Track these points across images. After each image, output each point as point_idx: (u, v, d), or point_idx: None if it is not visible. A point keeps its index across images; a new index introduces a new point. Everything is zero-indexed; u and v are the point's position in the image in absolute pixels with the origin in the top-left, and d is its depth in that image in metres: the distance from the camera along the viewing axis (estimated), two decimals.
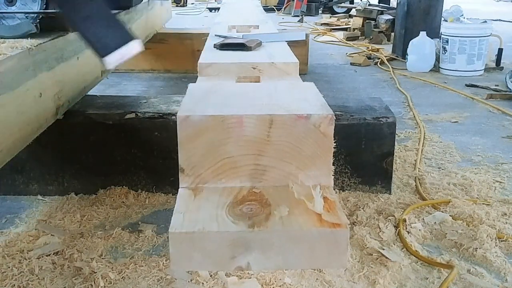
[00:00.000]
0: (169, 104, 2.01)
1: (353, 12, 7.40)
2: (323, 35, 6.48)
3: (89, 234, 1.67)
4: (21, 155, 1.51)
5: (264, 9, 4.50)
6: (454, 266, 1.47)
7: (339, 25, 7.18)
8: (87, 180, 1.95)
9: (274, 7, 9.56)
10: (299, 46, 3.58)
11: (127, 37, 0.75)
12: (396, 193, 1.98)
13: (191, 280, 1.41)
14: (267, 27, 2.45)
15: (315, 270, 1.45)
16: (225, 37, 1.99)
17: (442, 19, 4.83)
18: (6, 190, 1.96)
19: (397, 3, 5.14)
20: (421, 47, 4.33)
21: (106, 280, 1.42)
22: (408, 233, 1.68)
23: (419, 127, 2.78)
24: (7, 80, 1.31)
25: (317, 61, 4.72)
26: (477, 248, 1.57)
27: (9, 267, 1.47)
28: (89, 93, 2.08)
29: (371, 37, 5.91)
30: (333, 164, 0.96)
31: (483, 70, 4.25)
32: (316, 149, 0.93)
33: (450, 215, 1.77)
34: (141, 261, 1.52)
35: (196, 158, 0.93)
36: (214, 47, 1.75)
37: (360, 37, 6.12)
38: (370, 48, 5.38)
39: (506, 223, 1.73)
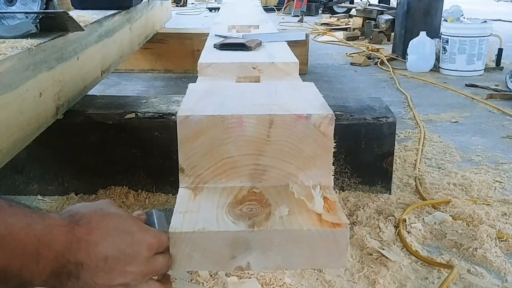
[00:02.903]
0: (169, 104, 2.00)
1: (353, 12, 7.40)
2: (323, 35, 6.48)
3: None
4: (21, 155, 1.50)
5: (264, 9, 4.50)
6: (454, 266, 1.47)
7: (339, 25, 7.18)
8: (87, 180, 1.95)
9: (274, 7, 9.56)
10: (299, 46, 3.58)
11: None
12: (396, 193, 1.98)
13: (191, 280, 1.41)
14: (267, 27, 2.45)
15: (315, 270, 1.45)
16: (225, 37, 1.99)
17: (442, 19, 4.83)
18: (6, 190, 1.96)
19: (397, 3, 5.14)
20: (421, 47, 4.33)
21: None
22: (408, 233, 1.68)
23: (419, 127, 2.78)
24: (7, 80, 1.31)
25: (317, 61, 4.71)
26: (477, 248, 1.57)
27: None
28: (89, 93, 2.08)
29: (371, 37, 5.91)
30: (333, 164, 0.96)
31: (483, 70, 4.25)
32: (316, 149, 0.93)
33: (450, 215, 1.77)
34: None
35: (196, 158, 0.93)
36: (214, 47, 1.75)
37: (360, 37, 6.12)
38: (370, 48, 5.37)
39: (506, 223, 1.73)
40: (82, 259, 0.65)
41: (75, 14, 2.27)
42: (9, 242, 0.59)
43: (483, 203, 1.87)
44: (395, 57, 4.87)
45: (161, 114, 1.91)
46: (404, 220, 1.73)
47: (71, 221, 0.67)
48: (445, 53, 4.26)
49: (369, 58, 4.82)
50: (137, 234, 0.71)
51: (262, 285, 1.39)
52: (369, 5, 7.01)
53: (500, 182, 2.10)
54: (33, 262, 0.61)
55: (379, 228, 1.69)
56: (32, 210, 0.64)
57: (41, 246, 0.62)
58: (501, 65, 4.39)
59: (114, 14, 2.47)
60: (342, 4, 9.16)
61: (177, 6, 9.97)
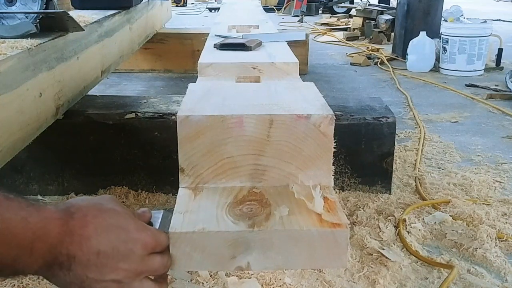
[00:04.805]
0: (169, 104, 2.01)
1: (353, 12, 7.40)
2: (323, 35, 6.48)
3: None
4: (21, 155, 1.50)
5: (264, 9, 4.50)
6: (454, 266, 1.47)
7: (339, 25, 7.18)
8: (87, 180, 1.95)
9: (274, 7, 9.56)
10: (299, 46, 3.58)
11: None
12: (396, 193, 1.98)
13: (191, 280, 1.41)
14: (267, 27, 2.45)
15: (315, 270, 1.45)
16: (225, 37, 1.99)
17: (442, 19, 4.83)
18: (6, 190, 1.95)
19: (397, 3, 5.14)
20: (421, 47, 4.33)
21: None
22: (408, 233, 1.68)
23: (419, 127, 2.78)
24: (7, 80, 1.31)
25: (317, 61, 4.72)
26: (477, 248, 1.57)
27: None
28: (89, 93, 2.08)
29: (371, 37, 5.90)
30: (333, 164, 0.96)
31: (483, 70, 4.25)
32: (316, 149, 0.93)
33: (450, 215, 1.77)
34: None
35: (196, 158, 0.93)
36: (214, 47, 1.75)
37: (360, 37, 6.12)
38: (370, 48, 5.37)
39: (506, 223, 1.73)
40: (74, 252, 0.66)
41: (75, 14, 2.27)
42: (5, 235, 0.60)
43: (483, 203, 1.87)
44: (395, 57, 4.87)
45: (161, 114, 1.91)
46: (404, 220, 1.73)
47: (66, 213, 0.67)
48: (445, 53, 4.26)
49: (369, 58, 4.82)
50: (133, 232, 0.71)
51: (262, 285, 1.39)
52: (369, 5, 7.01)
53: (500, 182, 2.10)
54: (27, 254, 0.62)
55: (379, 228, 1.69)
56: (29, 203, 0.65)
57: (35, 239, 0.63)
58: (501, 65, 4.39)
59: (114, 14, 2.47)
60: (342, 4, 9.16)
61: (177, 6, 9.97)
